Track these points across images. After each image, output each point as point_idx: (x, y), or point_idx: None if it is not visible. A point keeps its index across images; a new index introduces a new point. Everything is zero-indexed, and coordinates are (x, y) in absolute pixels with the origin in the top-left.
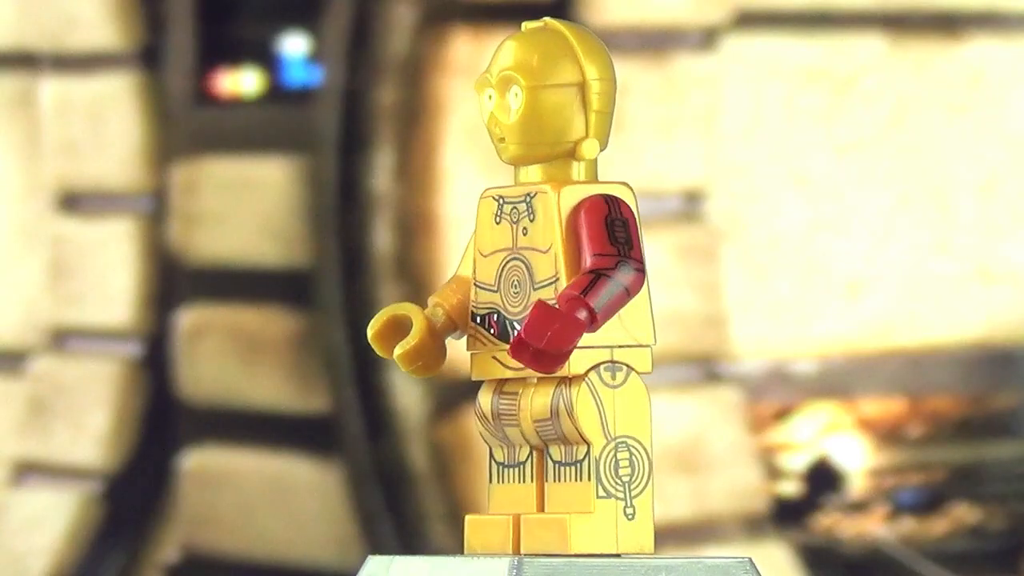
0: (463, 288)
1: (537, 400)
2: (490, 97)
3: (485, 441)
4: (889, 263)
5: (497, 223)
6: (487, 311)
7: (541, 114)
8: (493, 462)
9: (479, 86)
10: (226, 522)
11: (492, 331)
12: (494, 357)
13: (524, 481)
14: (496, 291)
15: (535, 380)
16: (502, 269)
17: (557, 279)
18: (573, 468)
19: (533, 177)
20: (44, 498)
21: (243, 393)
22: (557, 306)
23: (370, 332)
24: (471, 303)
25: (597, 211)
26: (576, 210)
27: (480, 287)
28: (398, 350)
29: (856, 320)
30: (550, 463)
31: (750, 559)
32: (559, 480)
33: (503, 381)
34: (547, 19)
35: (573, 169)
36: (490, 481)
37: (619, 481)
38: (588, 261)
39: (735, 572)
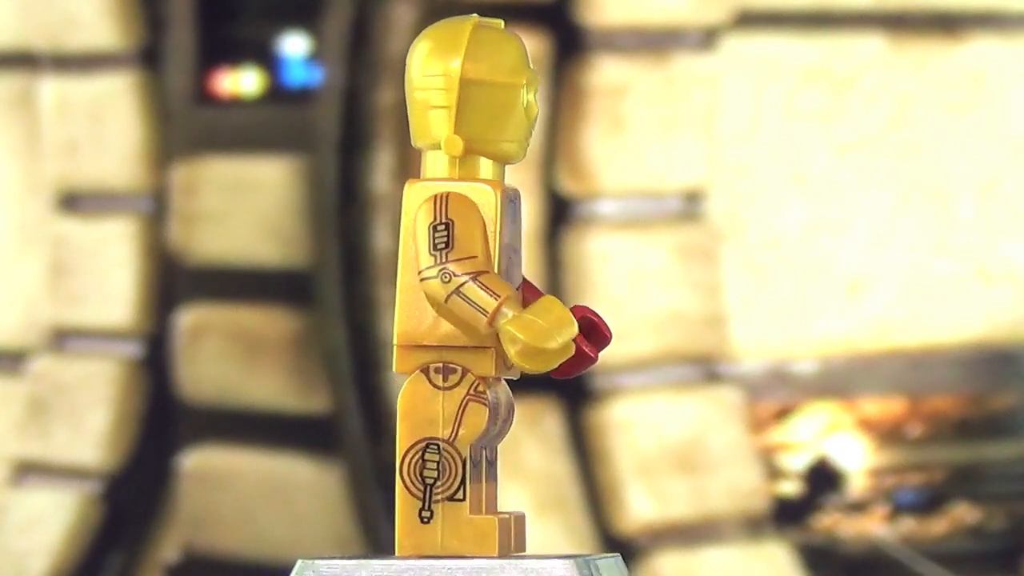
0: None
1: (505, 398)
2: None
3: (473, 444)
4: (889, 263)
5: (512, 219)
6: None
7: None
8: (470, 463)
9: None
10: (226, 522)
11: None
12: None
13: (493, 480)
14: None
15: (491, 381)
16: (508, 264)
17: (524, 280)
18: (494, 468)
19: (498, 175)
20: (44, 498)
21: (243, 393)
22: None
23: (572, 335)
24: None
25: None
26: None
27: None
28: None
29: (856, 320)
30: (484, 464)
31: (573, 559)
32: (491, 481)
33: (475, 380)
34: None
35: None
36: (473, 482)
37: None
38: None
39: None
